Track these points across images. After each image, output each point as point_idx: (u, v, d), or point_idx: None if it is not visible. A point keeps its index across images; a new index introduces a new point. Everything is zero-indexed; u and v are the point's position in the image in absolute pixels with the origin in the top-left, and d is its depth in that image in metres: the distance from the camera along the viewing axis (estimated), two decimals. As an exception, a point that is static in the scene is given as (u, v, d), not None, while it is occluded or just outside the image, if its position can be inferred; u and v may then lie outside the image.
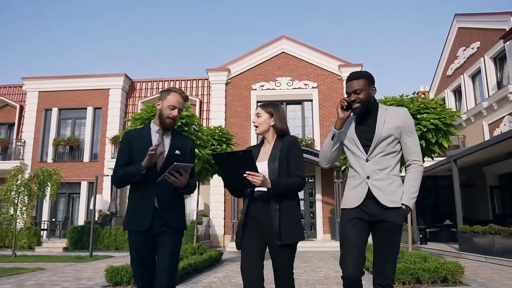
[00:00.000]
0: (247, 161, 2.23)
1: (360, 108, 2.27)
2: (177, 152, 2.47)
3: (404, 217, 2.24)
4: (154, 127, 2.52)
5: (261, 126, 2.56)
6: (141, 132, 2.54)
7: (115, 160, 2.65)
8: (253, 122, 2.60)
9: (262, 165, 2.42)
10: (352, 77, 2.32)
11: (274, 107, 2.61)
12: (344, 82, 2.38)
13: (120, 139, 2.65)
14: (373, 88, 2.31)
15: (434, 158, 9.45)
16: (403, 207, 2.21)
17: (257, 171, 2.26)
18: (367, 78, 2.31)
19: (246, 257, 2.40)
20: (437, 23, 63.01)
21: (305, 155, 14.03)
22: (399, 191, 2.23)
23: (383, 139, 2.22)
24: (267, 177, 2.33)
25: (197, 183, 2.40)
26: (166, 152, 2.44)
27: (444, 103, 18.69)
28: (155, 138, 2.47)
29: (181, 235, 2.49)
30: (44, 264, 8.87)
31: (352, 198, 2.29)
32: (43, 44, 66.22)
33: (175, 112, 2.48)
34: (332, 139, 2.31)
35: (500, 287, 5.23)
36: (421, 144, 6.55)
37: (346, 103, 2.26)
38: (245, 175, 2.23)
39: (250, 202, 2.45)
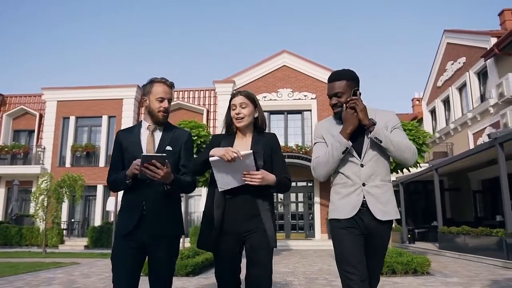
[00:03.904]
0: (249, 161, 2.08)
1: (342, 112, 2.11)
2: (168, 148, 2.29)
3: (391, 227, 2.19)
4: (145, 124, 2.36)
5: (246, 118, 2.28)
6: (132, 130, 2.41)
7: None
8: (237, 114, 2.27)
9: None
10: (333, 78, 2.13)
11: (254, 95, 2.37)
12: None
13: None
14: (357, 89, 2.11)
15: (421, 166, 10.77)
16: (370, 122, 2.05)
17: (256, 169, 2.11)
18: (350, 79, 2.11)
19: (226, 270, 2.22)
20: (432, 28, 64.23)
21: (303, 162, 15.37)
22: (393, 200, 2.12)
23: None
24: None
25: (196, 180, 2.45)
26: (155, 149, 2.29)
27: (432, 118, 19.94)
28: (144, 135, 2.33)
29: (176, 243, 2.32)
30: (76, 259, 10.17)
31: (345, 207, 2.09)
32: (44, 46, 67.62)
33: (165, 104, 2.31)
34: (343, 153, 2.06)
35: (458, 276, 6.53)
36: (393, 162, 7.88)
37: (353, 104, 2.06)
38: (243, 177, 2.10)
39: (230, 202, 2.21)
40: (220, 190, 2.17)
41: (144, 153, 2.22)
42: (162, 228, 2.19)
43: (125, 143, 2.32)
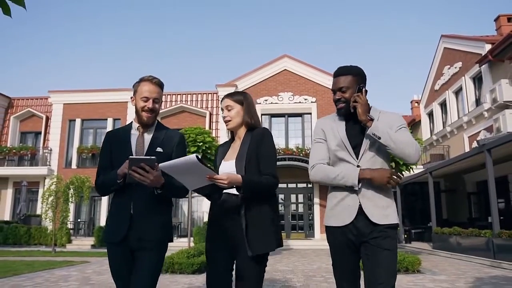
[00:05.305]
0: (200, 167, 1.90)
1: (345, 108, 2.04)
2: (158, 149, 2.20)
3: (396, 235, 2.03)
4: (135, 124, 2.28)
5: (234, 120, 2.24)
6: (121, 130, 2.32)
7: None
8: (224, 117, 2.26)
9: (230, 165, 2.16)
10: (339, 72, 2.07)
11: (243, 95, 2.31)
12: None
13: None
14: (362, 86, 2.04)
15: (413, 170, 11.26)
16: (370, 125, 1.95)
17: (216, 173, 2.03)
18: (356, 75, 2.05)
19: (213, 275, 2.14)
20: (432, 28, 64.60)
21: (303, 164, 15.82)
22: (392, 204, 2.01)
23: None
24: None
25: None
26: (145, 150, 2.20)
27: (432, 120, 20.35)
28: (134, 136, 2.25)
29: (162, 249, 2.18)
30: (85, 258, 10.64)
31: (341, 213, 2.00)
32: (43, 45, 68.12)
33: (149, 104, 2.19)
34: (346, 187, 1.99)
35: (446, 274, 7.00)
36: (391, 166, 8.33)
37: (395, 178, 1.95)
38: (207, 179, 1.96)
39: (214, 209, 2.20)
40: (190, 189, 2.09)
41: (133, 155, 2.15)
42: (150, 232, 2.10)
43: (115, 144, 2.25)
